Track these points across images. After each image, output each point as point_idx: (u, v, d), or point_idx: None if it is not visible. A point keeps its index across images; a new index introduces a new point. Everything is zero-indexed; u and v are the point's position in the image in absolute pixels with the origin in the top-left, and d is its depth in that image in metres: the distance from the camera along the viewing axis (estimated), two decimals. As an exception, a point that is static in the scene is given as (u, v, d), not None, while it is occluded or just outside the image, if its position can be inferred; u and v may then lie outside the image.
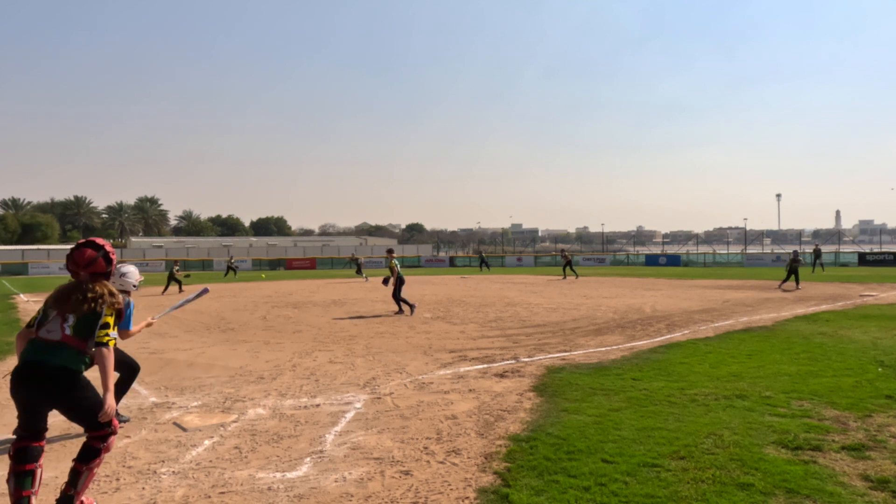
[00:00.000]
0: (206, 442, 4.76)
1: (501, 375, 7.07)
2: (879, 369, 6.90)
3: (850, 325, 10.66)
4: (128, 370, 5.43)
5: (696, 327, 11.08)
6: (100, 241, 3.67)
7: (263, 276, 23.64)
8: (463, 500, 3.57)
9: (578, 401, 5.69)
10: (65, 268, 3.67)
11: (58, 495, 3.40)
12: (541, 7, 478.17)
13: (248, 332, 11.56)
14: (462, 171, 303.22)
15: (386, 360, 8.33)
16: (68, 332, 3.38)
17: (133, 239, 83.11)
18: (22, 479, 3.28)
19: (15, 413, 5.58)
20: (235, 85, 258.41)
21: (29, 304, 18.57)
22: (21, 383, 3.32)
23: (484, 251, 63.44)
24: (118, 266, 5.13)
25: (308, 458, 4.34)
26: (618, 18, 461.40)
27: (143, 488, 3.83)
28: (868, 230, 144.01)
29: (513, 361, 7.96)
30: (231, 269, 36.73)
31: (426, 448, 4.52)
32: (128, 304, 5.18)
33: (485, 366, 7.73)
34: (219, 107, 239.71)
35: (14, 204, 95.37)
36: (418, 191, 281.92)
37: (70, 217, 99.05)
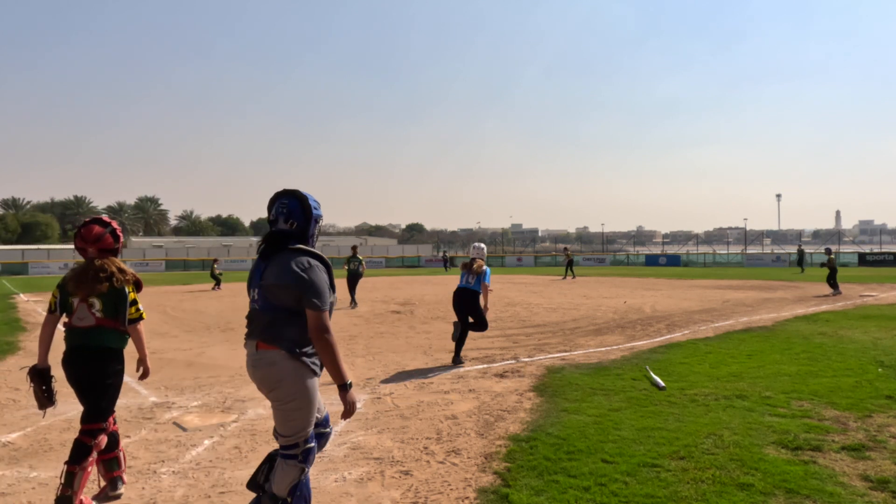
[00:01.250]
0: (206, 442, 4.76)
1: (501, 375, 7.07)
2: (879, 369, 6.90)
3: (850, 325, 10.66)
4: (478, 320, 7.97)
5: (696, 327, 11.08)
6: (106, 218, 3.81)
7: None
8: (463, 500, 3.57)
9: (578, 401, 5.69)
10: (73, 246, 3.90)
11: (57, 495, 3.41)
12: (540, 7, 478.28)
13: (248, 331, 11.55)
14: (462, 171, 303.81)
15: (386, 360, 8.33)
16: (99, 315, 3.56)
17: (133, 239, 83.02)
18: (109, 463, 3.66)
19: (18, 413, 5.57)
20: (235, 85, 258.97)
21: (29, 304, 18.56)
22: (70, 363, 3.55)
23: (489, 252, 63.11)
24: (476, 242, 8.94)
25: (308, 458, 4.34)
26: (617, 18, 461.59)
27: (143, 488, 3.83)
28: (868, 230, 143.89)
29: (513, 361, 7.96)
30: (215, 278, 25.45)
31: (426, 448, 4.52)
32: (484, 270, 8.01)
33: (485, 366, 7.73)
34: (219, 107, 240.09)
35: (14, 204, 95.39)
36: (418, 191, 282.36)
37: (70, 217, 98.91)
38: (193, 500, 3.65)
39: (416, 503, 3.56)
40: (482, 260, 8.15)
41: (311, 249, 3.00)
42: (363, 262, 16.61)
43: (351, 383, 2.89)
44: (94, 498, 3.65)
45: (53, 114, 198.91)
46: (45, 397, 3.60)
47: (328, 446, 4.60)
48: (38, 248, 61.44)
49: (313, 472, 4.06)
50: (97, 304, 3.55)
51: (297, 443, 2.90)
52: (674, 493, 3.53)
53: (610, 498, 3.48)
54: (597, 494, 3.53)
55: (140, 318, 3.67)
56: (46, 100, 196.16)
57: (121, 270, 3.66)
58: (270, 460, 3.03)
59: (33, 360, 3.65)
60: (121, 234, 3.82)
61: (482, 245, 8.43)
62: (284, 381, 2.85)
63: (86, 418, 3.54)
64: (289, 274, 2.84)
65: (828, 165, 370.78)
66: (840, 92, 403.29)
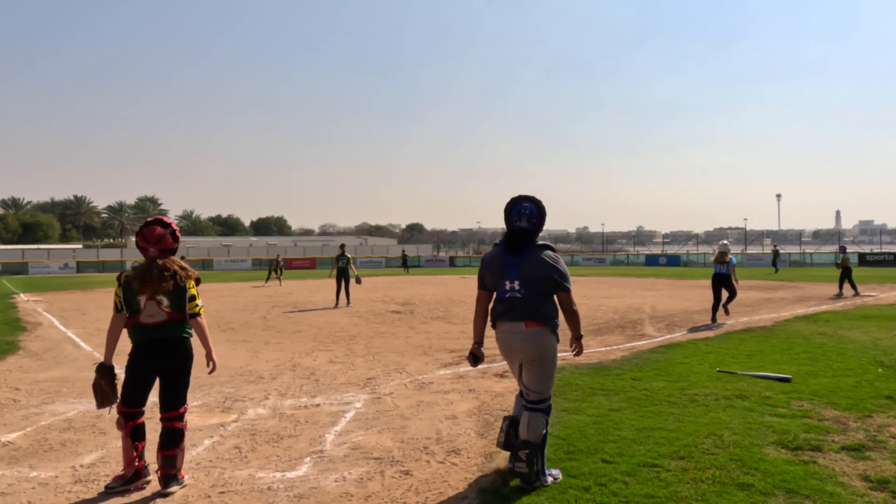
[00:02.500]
0: (206, 442, 4.76)
1: (501, 375, 7.07)
2: (879, 369, 6.90)
3: (850, 325, 10.66)
4: (731, 293, 11.91)
5: (696, 327, 11.07)
6: (166, 219, 4.01)
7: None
8: (463, 500, 3.57)
9: (578, 401, 5.69)
10: (135, 245, 4.24)
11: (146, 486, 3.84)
12: (540, 7, 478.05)
13: (248, 331, 11.56)
14: (462, 171, 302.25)
15: (386, 359, 8.33)
16: (168, 310, 3.81)
17: (133, 239, 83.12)
18: (140, 453, 3.85)
19: (18, 413, 5.58)
20: (235, 85, 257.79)
21: (29, 304, 18.56)
22: (146, 354, 3.82)
23: (482, 250, 62.97)
24: (722, 241, 12.84)
25: (308, 458, 4.34)
26: (617, 18, 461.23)
27: (144, 488, 3.83)
28: (868, 230, 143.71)
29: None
30: (273, 271, 27.87)
31: (426, 448, 4.52)
32: (731, 259, 12.03)
33: (485, 366, 7.72)
34: (219, 107, 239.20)
35: (14, 204, 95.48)
36: (418, 191, 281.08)
37: (70, 217, 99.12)
38: (193, 500, 3.65)
39: (417, 503, 3.56)
40: (728, 253, 12.03)
41: (550, 244, 3.78)
42: (351, 261, 17.32)
43: (582, 335, 4.04)
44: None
45: (53, 114, 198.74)
46: (111, 392, 3.91)
47: (330, 446, 4.61)
48: (39, 248, 61.49)
49: (313, 472, 4.07)
50: (165, 300, 3.79)
51: (545, 398, 3.76)
52: (674, 493, 3.53)
53: (610, 498, 3.48)
54: (597, 494, 3.53)
55: (198, 313, 3.89)
56: (46, 100, 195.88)
57: (182, 268, 3.90)
58: (513, 423, 3.84)
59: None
60: (179, 235, 4.04)
61: (727, 242, 12.61)
62: (547, 350, 3.76)
63: (170, 405, 3.90)
64: (549, 267, 3.67)
65: (828, 165, 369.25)
66: (839, 92, 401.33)
